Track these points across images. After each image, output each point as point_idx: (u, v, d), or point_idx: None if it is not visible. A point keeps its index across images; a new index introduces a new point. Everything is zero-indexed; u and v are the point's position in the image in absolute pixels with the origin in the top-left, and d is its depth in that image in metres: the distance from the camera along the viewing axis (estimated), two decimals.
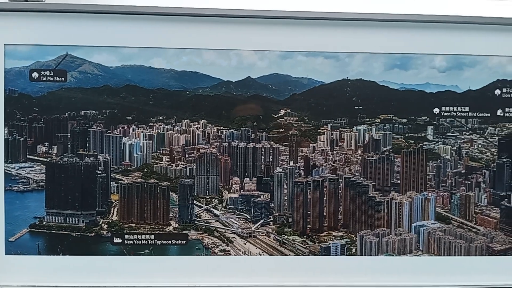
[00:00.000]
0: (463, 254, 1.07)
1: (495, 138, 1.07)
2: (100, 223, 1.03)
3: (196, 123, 1.04)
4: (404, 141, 1.06)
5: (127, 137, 1.03)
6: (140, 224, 1.03)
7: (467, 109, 1.06)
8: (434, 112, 1.06)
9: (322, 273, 1.05)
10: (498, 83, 1.06)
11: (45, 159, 1.02)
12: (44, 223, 1.02)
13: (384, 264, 1.06)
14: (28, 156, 1.02)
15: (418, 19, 1.02)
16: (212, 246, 1.04)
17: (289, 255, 1.05)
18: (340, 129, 1.05)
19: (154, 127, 1.03)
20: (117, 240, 1.03)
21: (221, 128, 1.04)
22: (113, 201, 1.03)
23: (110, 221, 1.03)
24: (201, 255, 1.04)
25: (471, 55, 1.05)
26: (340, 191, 1.06)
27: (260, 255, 1.05)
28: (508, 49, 1.06)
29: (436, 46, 1.05)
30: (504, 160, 1.07)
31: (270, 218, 1.05)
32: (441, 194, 1.07)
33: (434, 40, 1.04)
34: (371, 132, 1.06)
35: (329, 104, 1.05)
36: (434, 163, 1.07)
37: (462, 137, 1.07)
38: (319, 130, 1.05)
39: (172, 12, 0.99)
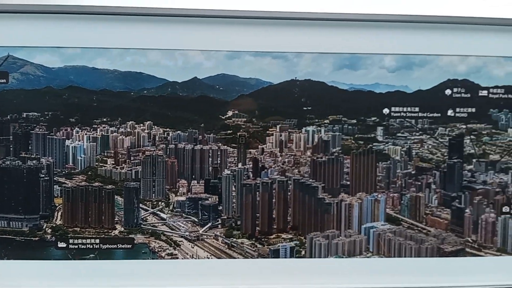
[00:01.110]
0: (413, 255, 1.06)
1: (445, 139, 1.06)
2: (44, 227, 1.01)
3: (141, 124, 1.02)
4: (353, 142, 1.05)
5: (70, 140, 1.01)
6: (85, 228, 1.02)
7: (417, 109, 1.05)
8: (384, 112, 1.05)
9: (272, 276, 1.04)
10: (449, 82, 1.05)
11: None
12: None
13: (334, 266, 1.05)
14: None
15: (366, 18, 1.01)
16: (159, 250, 1.03)
17: (238, 258, 1.04)
18: (289, 130, 1.04)
19: (98, 129, 1.01)
20: (62, 245, 1.01)
21: (167, 129, 1.02)
22: (57, 205, 1.01)
23: (54, 225, 1.01)
24: (148, 259, 1.02)
25: (421, 55, 1.04)
26: (289, 193, 1.05)
27: (208, 258, 1.03)
28: (458, 48, 1.05)
29: (385, 45, 1.04)
30: (454, 160, 1.06)
31: (218, 221, 1.04)
32: (391, 195, 1.06)
33: (384, 40, 1.03)
34: (320, 133, 1.05)
35: (277, 105, 1.04)
36: (384, 164, 1.06)
37: (412, 137, 1.06)
38: (267, 131, 1.04)
39: (115, 11, 0.96)
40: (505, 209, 1.08)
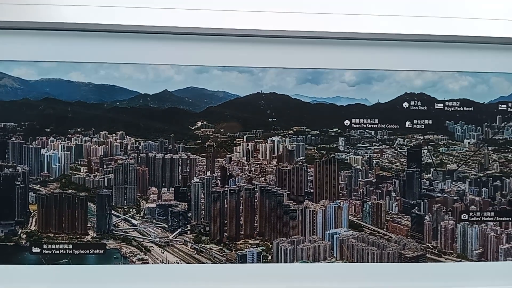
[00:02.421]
0: (376, 260, 1.10)
1: (404, 149, 1.12)
2: (19, 232, 1.05)
3: (114, 134, 1.07)
4: (316, 151, 1.11)
5: (46, 149, 1.06)
6: (58, 233, 1.05)
7: (376, 121, 1.11)
8: (345, 124, 1.11)
9: (239, 280, 1.08)
10: (406, 96, 1.11)
11: None
12: None
13: (299, 271, 1.09)
14: None
15: (327, 36, 1.07)
16: (130, 255, 1.07)
17: (207, 263, 1.08)
18: (255, 140, 1.09)
19: (72, 138, 1.06)
20: (36, 250, 1.05)
21: (139, 139, 1.07)
22: (32, 211, 1.05)
23: (29, 231, 1.05)
24: (119, 264, 1.06)
25: (380, 70, 1.10)
26: (256, 200, 1.09)
27: (178, 263, 1.07)
28: (415, 64, 1.11)
29: (345, 61, 1.10)
30: (413, 169, 1.12)
31: (187, 227, 1.08)
32: (353, 202, 1.11)
33: (344, 56, 1.10)
34: (285, 143, 1.10)
35: (244, 116, 1.09)
36: (346, 172, 1.11)
37: (372, 147, 1.12)
38: (235, 142, 1.09)
39: (89, 28, 1.02)
40: (464, 216, 1.13)
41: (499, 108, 1.13)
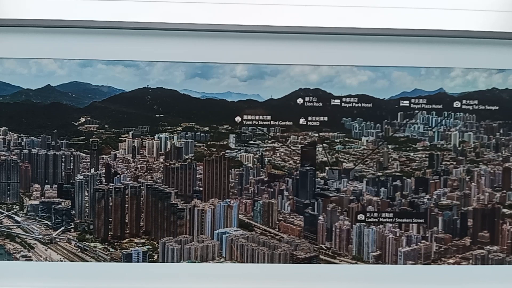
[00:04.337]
0: (266, 261, 1.07)
1: (297, 147, 1.08)
2: None
3: None
4: (206, 149, 1.07)
5: None
6: None
7: (269, 117, 1.07)
8: (236, 120, 1.07)
9: (123, 280, 1.06)
10: (300, 92, 1.07)
11: None
12: None
13: (186, 271, 1.07)
14: None
15: (217, 28, 1.03)
16: (14, 251, 1.06)
17: (91, 261, 1.06)
18: (142, 137, 1.06)
19: None
20: None
21: (21, 135, 1.05)
22: None
23: None
24: (3, 260, 1.05)
25: (273, 64, 1.06)
26: (142, 199, 1.07)
27: (61, 261, 1.06)
28: (310, 58, 1.07)
29: (236, 55, 1.06)
30: (307, 168, 1.08)
31: (71, 225, 1.06)
32: (244, 201, 1.08)
33: (234, 50, 1.05)
34: (173, 140, 1.07)
35: (130, 112, 1.07)
36: (237, 170, 1.08)
37: (265, 145, 1.08)
38: (120, 138, 1.06)
39: None
40: (360, 217, 1.09)
41: (401, 104, 1.08)
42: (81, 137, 1.06)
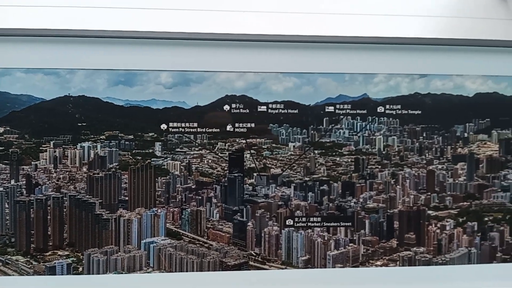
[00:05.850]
0: (195, 269, 1.06)
1: (225, 153, 1.07)
2: None
3: None
4: (131, 157, 1.06)
5: None
6: None
7: (195, 124, 1.06)
8: (162, 128, 1.06)
9: None
10: (227, 98, 1.07)
11: None
12: None
13: (113, 282, 1.05)
14: None
15: (140, 35, 1.02)
16: None
17: (13, 275, 1.03)
18: (64, 146, 1.04)
19: None
20: None
21: None
22: None
23: None
24: None
25: (198, 71, 1.05)
26: (65, 210, 1.04)
27: None
28: (236, 65, 1.07)
29: (161, 62, 1.05)
30: (235, 174, 1.08)
31: None
32: (171, 210, 1.07)
33: (159, 56, 1.04)
34: (96, 149, 1.05)
35: (51, 121, 1.04)
36: (163, 179, 1.07)
37: (192, 152, 1.07)
38: (41, 148, 1.03)
39: None
40: (289, 222, 1.09)
41: (326, 110, 1.10)
42: (0, 148, 1.02)
